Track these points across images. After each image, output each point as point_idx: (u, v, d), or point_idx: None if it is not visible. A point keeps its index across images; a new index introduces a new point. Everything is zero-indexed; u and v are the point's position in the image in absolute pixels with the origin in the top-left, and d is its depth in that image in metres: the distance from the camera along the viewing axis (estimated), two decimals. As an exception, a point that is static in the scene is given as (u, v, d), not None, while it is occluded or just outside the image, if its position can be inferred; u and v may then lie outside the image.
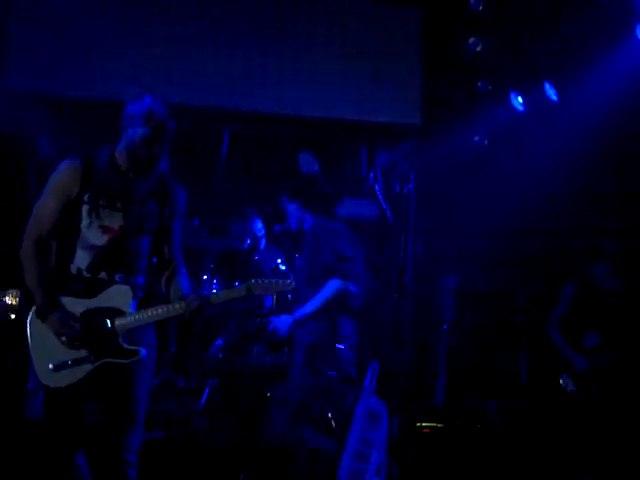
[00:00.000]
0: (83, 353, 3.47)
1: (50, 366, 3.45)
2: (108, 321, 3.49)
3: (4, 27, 7.12)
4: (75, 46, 7.29)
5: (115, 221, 3.53)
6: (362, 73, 7.96)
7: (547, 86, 7.09)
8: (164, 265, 3.75)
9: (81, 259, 3.51)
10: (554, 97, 7.08)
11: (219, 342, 6.27)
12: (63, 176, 3.55)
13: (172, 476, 4.98)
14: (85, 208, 3.50)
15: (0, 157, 6.76)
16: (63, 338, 3.44)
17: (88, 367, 3.46)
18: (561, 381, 5.19)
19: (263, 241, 6.83)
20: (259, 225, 6.76)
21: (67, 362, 3.45)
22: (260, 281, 3.70)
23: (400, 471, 4.50)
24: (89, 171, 3.53)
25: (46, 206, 3.54)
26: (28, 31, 7.23)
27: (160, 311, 3.57)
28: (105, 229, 3.51)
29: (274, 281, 3.75)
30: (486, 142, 7.88)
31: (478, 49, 7.39)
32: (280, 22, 7.80)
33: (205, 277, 6.52)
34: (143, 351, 3.53)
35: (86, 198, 3.51)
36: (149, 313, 3.55)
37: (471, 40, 7.38)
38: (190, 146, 7.53)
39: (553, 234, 7.30)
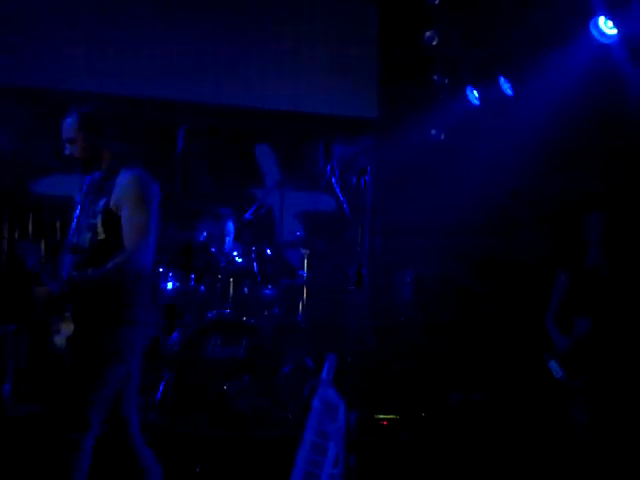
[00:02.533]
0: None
1: None
2: None
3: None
4: (25, 35, 7.20)
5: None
6: (319, 65, 7.97)
7: (502, 80, 7.14)
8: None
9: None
10: (509, 91, 7.14)
11: (175, 335, 6.22)
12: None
13: (127, 471, 4.92)
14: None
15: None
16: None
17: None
18: (550, 367, 5.23)
19: (221, 234, 6.78)
20: (221, 214, 6.73)
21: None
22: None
23: (358, 463, 4.49)
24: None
25: None
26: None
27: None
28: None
29: None
30: (442, 136, 7.93)
31: (434, 43, 7.42)
32: (234, 12, 7.76)
33: (161, 269, 6.47)
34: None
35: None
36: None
37: (427, 34, 7.41)
38: (147, 140, 7.49)
39: (508, 227, 7.35)
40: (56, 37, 7.31)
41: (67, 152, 3.96)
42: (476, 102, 7.43)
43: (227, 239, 6.73)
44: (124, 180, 3.90)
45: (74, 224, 3.97)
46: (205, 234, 6.66)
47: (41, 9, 7.27)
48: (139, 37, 7.50)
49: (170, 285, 6.42)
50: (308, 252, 6.66)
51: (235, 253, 6.50)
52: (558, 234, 6.40)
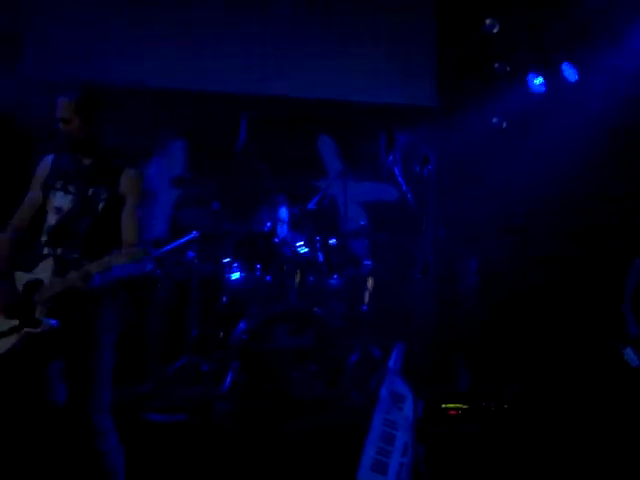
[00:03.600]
0: (15, 322, 3.78)
1: None
2: (28, 292, 3.80)
3: (20, 17, 7.11)
4: (91, 33, 7.30)
5: (66, 203, 3.89)
6: (378, 55, 7.94)
7: (565, 66, 7.04)
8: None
9: (42, 238, 3.92)
10: (573, 77, 7.03)
11: (242, 325, 6.27)
12: (37, 169, 4.04)
13: (193, 460, 4.99)
14: (43, 192, 3.94)
15: (16, 146, 6.75)
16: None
17: (15, 337, 3.75)
18: (624, 355, 5.13)
19: (285, 224, 6.83)
20: (284, 205, 6.78)
21: (4, 331, 3.78)
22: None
23: (426, 452, 4.48)
24: (56, 162, 3.99)
25: (26, 197, 4.05)
26: (42, 19, 7.24)
27: (55, 282, 3.78)
28: (57, 210, 3.89)
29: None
30: (504, 124, 7.84)
31: (495, 30, 7.34)
32: (295, 5, 7.78)
33: (226, 260, 6.53)
34: (50, 322, 3.74)
35: (47, 183, 3.95)
36: (50, 284, 3.78)
37: (487, 21, 7.33)
38: (209, 131, 7.57)
39: (573, 214, 7.25)
40: (121, 36, 7.39)
41: (62, 133, 3.91)
42: (538, 89, 7.34)
43: (283, 228, 6.79)
44: (132, 175, 3.94)
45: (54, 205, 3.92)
46: (269, 224, 6.72)
47: (107, 9, 7.37)
48: (202, 34, 7.55)
49: (236, 275, 6.48)
50: (372, 242, 6.66)
51: (300, 243, 6.52)
52: (630, 221, 6.28)
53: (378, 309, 6.64)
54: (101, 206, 3.86)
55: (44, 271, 3.81)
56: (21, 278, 3.84)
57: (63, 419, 3.83)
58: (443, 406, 5.83)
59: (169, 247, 6.63)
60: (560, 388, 6.29)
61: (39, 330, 3.72)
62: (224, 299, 6.51)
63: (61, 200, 3.89)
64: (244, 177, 7.42)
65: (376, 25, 7.97)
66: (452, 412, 5.81)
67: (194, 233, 6.51)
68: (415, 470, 4.28)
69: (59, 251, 3.83)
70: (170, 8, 7.54)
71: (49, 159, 4.00)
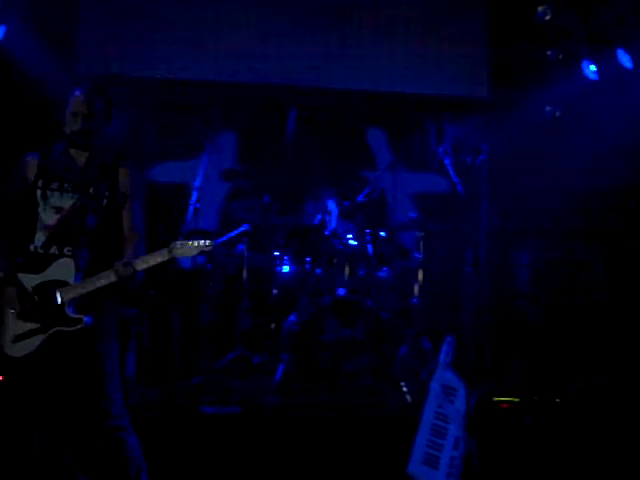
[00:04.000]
0: (37, 325, 3.77)
1: (10, 337, 3.79)
2: (54, 292, 3.78)
3: (73, 17, 7.20)
4: (139, 27, 7.38)
5: (65, 202, 3.86)
6: (428, 46, 7.86)
7: (621, 52, 6.89)
8: (123, 241, 3.96)
9: (38, 239, 3.85)
10: (628, 64, 6.88)
11: (292, 318, 6.30)
12: (20, 171, 3.95)
13: (247, 451, 5.02)
14: (38, 193, 3.87)
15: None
16: (14, 311, 3.77)
17: (41, 337, 3.76)
18: None
19: (334, 216, 6.83)
20: (334, 198, 6.78)
21: (23, 334, 3.77)
22: (180, 244, 3.83)
23: (478, 446, 4.44)
24: (44, 161, 3.91)
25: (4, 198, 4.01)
26: (94, 19, 7.33)
27: (96, 280, 3.79)
28: (57, 209, 3.86)
29: (193, 242, 3.86)
30: (558, 113, 7.71)
31: (547, 17, 7.22)
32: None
33: (276, 253, 6.55)
34: (87, 319, 3.78)
35: (39, 184, 3.88)
36: (87, 282, 3.79)
37: (540, 8, 7.21)
38: (258, 124, 7.59)
39: (630, 207, 7.11)
40: (169, 29, 7.45)
41: (81, 125, 3.86)
42: (592, 76, 7.20)
43: (333, 220, 6.80)
44: (129, 170, 3.95)
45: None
46: (319, 217, 6.73)
47: (156, 3, 7.44)
48: (251, 26, 7.55)
49: (286, 268, 6.50)
50: (422, 234, 6.62)
51: (350, 236, 6.52)
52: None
53: (428, 301, 6.61)
54: (104, 203, 3.88)
55: (60, 270, 3.80)
56: (30, 280, 3.82)
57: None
58: (495, 399, 5.78)
59: (220, 240, 6.68)
60: (622, 385, 6.18)
61: (75, 328, 3.76)
62: (274, 292, 6.55)
63: (59, 199, 3.86)
64: (295, 170, 7.44)
65: (426, 16, 7.89)
66: (504, 405, 5.76)
67: (245, 226, 6.55)
68: (467, 464, 4.24)
69: (66, 250, 3.83)
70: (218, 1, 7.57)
71: (33, 158, 3.93)
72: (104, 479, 3.81)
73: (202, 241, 3.89)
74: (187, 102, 7.47)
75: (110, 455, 3.79)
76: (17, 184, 3.94)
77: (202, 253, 3.92)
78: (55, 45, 6.81)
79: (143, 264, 3.79)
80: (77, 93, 3.88)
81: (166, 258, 3.79)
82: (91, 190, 3.88)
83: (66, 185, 3.88)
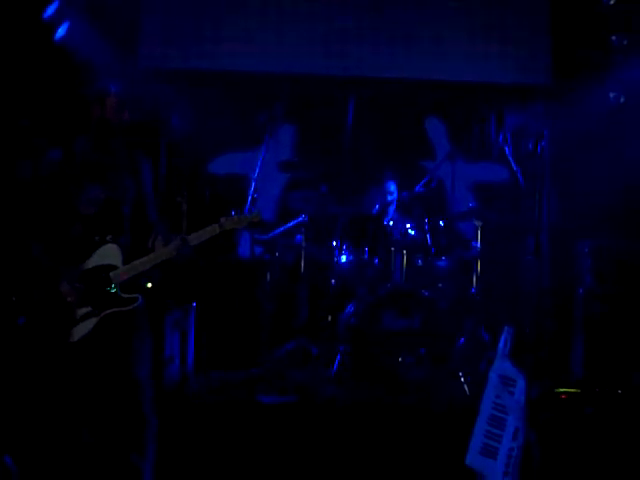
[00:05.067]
0: (88, 309, 3.92)
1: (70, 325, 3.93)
2: (104, 276, 3.95)
3: (134, 12, 7.30)
4: (200, 21, 7.46)
5: (99, 193, 4.02)
6: (488, 33, 7.75)
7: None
8: (148, 227, 4.15)
9: (77, 229, 4.01)
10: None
11: (350, 308, 6.29)
12: (44, 170, 4.13)
13: (303, 440, 5.04)
14: (72, 187, 4.02)
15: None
16: (70, 299, 3.90)
17: (93, 320, 3.92)
18: None
19: (393, 206, 6.79)
20: (392, 187, 6.75)
21: (76, 319, 3.91)
22: (230, 217, 4.08)
23: (538, 437, 4.38)
24: (69, 156, 4.07)
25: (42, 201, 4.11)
26: (155, 11, 7.42)
27: (149, 258, 4.00)
28: (92, 201, 4.01)
29: (241, 215, 4.12)
30: (622, 99, 7.54)
31: (612, 2, 7.07)
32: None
33: (335, 243, 6.55)
34: (140, 298, 3.98)
35: (72, 178, 4.03)
36: (137, 263, 3.99)
37: (605, -7, 7.07)
38: (317, 115, 7.60)
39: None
40: (231, 22, 7.50)
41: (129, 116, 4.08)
42: (659, 62, 7.02)
43: (391, 210, 6.77)
44: (147, 161, 4.19)
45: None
46: (377, 207, 6.70)
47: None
48: (311, 17, 7.56)
49: (344, 258, 6.50)
50: (481, 223, 6.54)
51: (408, 225, 6.48)
52: None
53: (487, 291, 6.54)
54: (133, 193, 4.09)
55: (106, 256, 3.97)
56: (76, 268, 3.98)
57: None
58: (556, 390, 5.68)
59: (278, 231, 6.72)
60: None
61: (131, 307, 3.95)
62: (333, 282, 6.56)
63: (96, 191, 4.01)
64: (352, 160, 7.43)
65: (489, 3, 7.78)
66: (564, 397, 5.66)
67: (302, 217, 6.58)
68: (526, 455, 4.18)
69: (109, 237, 3.99)
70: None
71: (54, 156, 4.09)
72: (121, 448, 3.93)
73: (250, 213, 4.16)
74: (247, 95, 7.51)
75: (131, 427, 3.93)
76: (53, 180, 4.07)
77: (252, 225, 4.19)
78: (117, 41, 6.91)
79: (195, 239, 4.01)
80: (115, 91, 4.05)
81: (217, 232, 4.03)
82: (121, 181, 4.06)
83: (97, 177, 4.03)
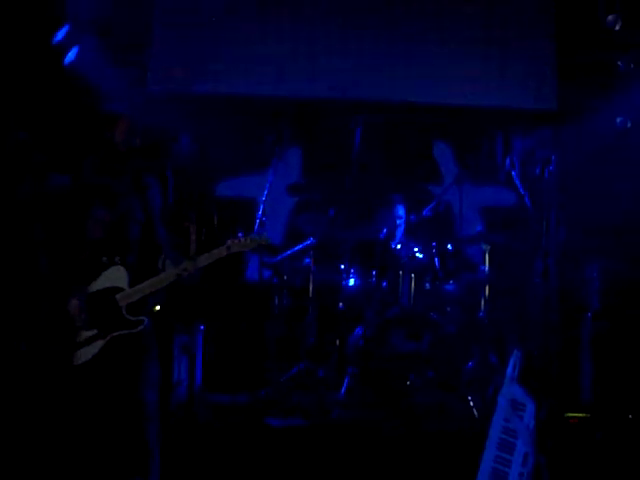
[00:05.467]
0: (94, 331, 3.91)
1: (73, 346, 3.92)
2: (110, 299, 3.94)
3: (145, 36, 7.36)
4: (208, 46, 7.50)
5: (109, 215, 4.06)
6: (495, 58, 7.79)
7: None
8: (156, 248, 4.16)
9: (85, 250, 4.03)
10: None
11: (358, 331, 6.29)
12: (54, 195, 4.20)
13: (311, 464, 5.02)
14: (82, 210, 4.06)
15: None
16: (77, 318, 3.90)
17: (100, 343, 3.91)
18: None
19: (401, 230, 6.80)
20: (400, 211, 6.77)
21: (81, 342, 3.91)
22: (237, 240, 4.11)
23: (547, 462, 4.36)
24: (79, 180, 4.13)
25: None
26: (165, 36, 7.48)
27: (155, 280, 4.01)
28: (102, 223, 4.04)
29: (249, 237, 4.15)
30: (629, 124, 7.56)
31: (617, 27, 7.10)
32: (409, 9, 7.74)
33: (342, 267, 6.56)
34: (145, 320, 3.98)
35: (84, 201, 4.06)
36: (145, 284, 3.99)
37: (609, 18, 7.10)
38: (324, 138, 7.63)
39: None
40: (236, 45, 7.55)
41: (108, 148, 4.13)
42: (665, 86, 7.05)
43: (399, 234, 6.79)
44: (155, 185, 4.26)
45: None
46: (385, 231, 6.71)
47: (219, 10, 7.55)
48: (317, 41, 7.60)
49: (352, 281, 6.51)
50: (489, 247, 6.56)
51: (416, 249, 6.49)
52: None
53: (495, 315, 6.55)
54: (141, 214, 4.13)
55: (113, 278, 3.98)
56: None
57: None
58: (565, 415, 5.66)
59: (286, 254, 6.73)
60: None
61: (137, 330, 3.95)
62: (340, 305, 6.55)
63: (103, 214, 4.04)
64: (360, 183, 7.44)
65: (492, 27, 7.82)
66: (574, 421, 5.64)
67: (310, 240, 6.59)
68: (536, 480, 4.17)
69: (117, 259, 4.01)
70: (280, 13, 7.62)
71: (64, 182, 4.17)
72: (126, 471, 3.93)
73: (259, 236, 4.21)
74: (254, 118, 7.55)
75: (136, 450, 3.94)
76: (62, 205, 4.12)
77: (260, 248, 4.20)
78: (126, 65, 6.96)
79: (203, 261, 4.04)
80: (127, 116, 4.12)
81: (224, 254, 4.07)
82: (130, 204, 4.10)
83: (107, 200, 4.07)
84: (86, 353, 3.89)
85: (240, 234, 4.14)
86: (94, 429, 3.93)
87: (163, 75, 7.46)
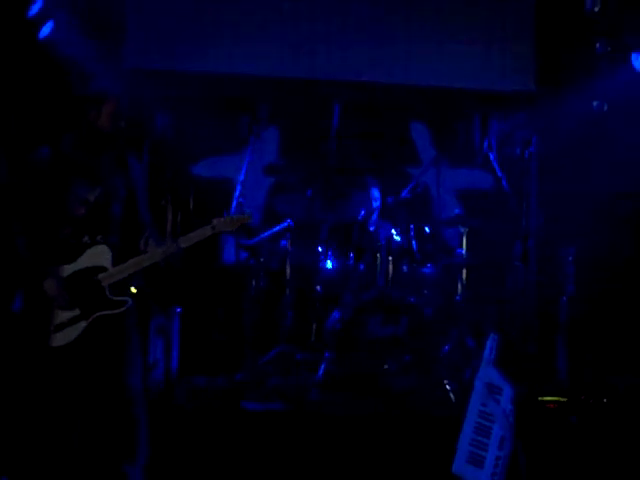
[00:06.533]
0: (77, 312, 3.86)
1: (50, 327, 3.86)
2: (93, 279, 3.89)
3: (120, 12, 7.24)
4: (185, 22, 7.42)
5: (91, 193, 3.97)
6: (473, 39, 7.77)
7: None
8: (139, 227, 4.12)
9: (66, 229, 3.95)
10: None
11: (335, 314, 6.27)
12: (33, 168, 4.03)
13: (288, 448, 5.01)
14: (63, 185, 3.97)
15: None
16: (58, 302, 3.84)
17: (82, 324, 3.86)
18: None
19: (378, 213, 6.78)
20: (376, 194, 6.74)
21: (64, 322, 3.84)
22: (222, 219, 4.05)
23: (524, 446, 4.38)
24: (59, 156, 4.01)
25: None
26: (141, 12, 7.38)
27: (138, 260, 3.96)
28: (83, 201, 3.96)
29: (234, 216, 4.12)
30: (606, 107, 7.57)
31: (596, 9, 7.09)
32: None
33: (320, 249, 6.53)
34: (128, 300, 3.94)
35: (64, 178, 3.98)
36: (128, 264, 3.94)
37: (588, 0, 7.09)
38: (302, 118, 7.57)
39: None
40: (215, 23, 7.46)
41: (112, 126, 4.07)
42: (641, 69, 7.06)
43: (376, 216, 6.77)
44: (137, 167, 4.21)
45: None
46: (363, 212, 6.68)
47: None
48: (298, 20, 7.55)
49: (329, 264, 6.48)
50: (466, 230, 6.57)
51: (393, 231, 6.47)
52: None
53: (472, 298, 6.57)
54: (124, 193, 4.06)
55: (96, 257, 3.92)
56: (64, 269, 3.90)
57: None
58: (540, 399, 5.69)
59: (263, 236, 6.68)
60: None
61: (120, 310, 3.90)
62: (318, 288, 6.53)
63: (85, 192, 3.97)
64: (337, 164, 7.40)
65: (472, 8, 7.80)
66: (550, 405, 5.67)
67: (288, 221, 6.55)
68: (513, 464, 4.19)
69: (99, 238, 3.95)
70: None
71: (44, 155, 4.02)
72: (113, 456, 3.90)
73: (242, 214, 4.17)
74: (231, 97, 7.48)
75: (123, 435, 3.91)
76: (41, 178, 3.99)
77: (242, 226, 4.15)
78: (102, 40, 6.85)
79: (187, 241, 3.98)
80: (113, 97, 4.03)
81: (209, 233, 4.02)
82: (112, 182, 4.03)
83: (89, 178, 3.99)
84: (69, 334, 3.83)
85: (224, 213, 4.09)
86: (78, 413, 3.90)
87: (138, 51, 7.38)
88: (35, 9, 6.35)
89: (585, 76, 7.32)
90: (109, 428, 3.88)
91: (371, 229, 6.57)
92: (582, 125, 7.21)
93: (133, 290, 4.07)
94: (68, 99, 4.30)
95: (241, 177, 6.45)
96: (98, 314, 3.86)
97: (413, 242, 6.49)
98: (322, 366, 6.05)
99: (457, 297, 6.54)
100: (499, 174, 6.68)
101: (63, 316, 3.84)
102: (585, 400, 5.72)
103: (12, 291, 3.94)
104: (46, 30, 6.40)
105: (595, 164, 7.10)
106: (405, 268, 6.48)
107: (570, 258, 6.72)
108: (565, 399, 5.71)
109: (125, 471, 3.88)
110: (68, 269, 3.89)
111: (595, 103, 7.41)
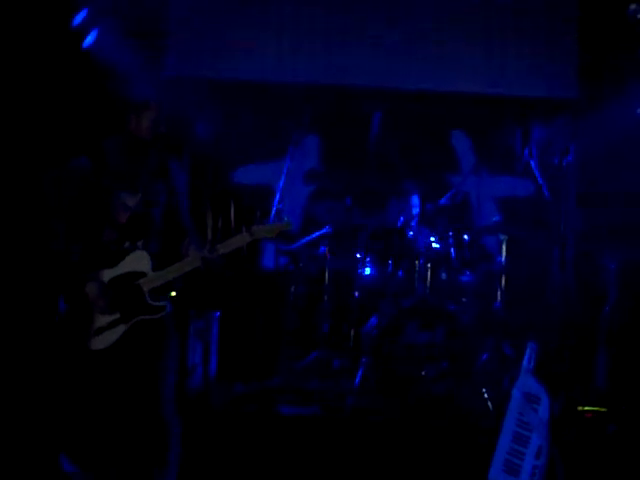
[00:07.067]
0: (116, 316, 3.90)
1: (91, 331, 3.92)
2: (134, 283, 3.93)
3: (163, 19, 7.34)
4: (228, 30, 7.48)
5: (132, 200, 4.02)
6: (515, 46, 7.73)
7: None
8: (180, 233, 4.14)
9: (108, 235, 4.00)
10: None
11: (373, 320, 6.28)
12: (73, 178, 4.07)
13: (325, 452, 5.03)
14: (105, 194, 4.01)
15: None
16: (99, 306, 3.88)
17: (122, 328, 3.90)
18: None
19: (417, 220, 6.77)
20: (416, 201, 6.74)
21: (103, 326, 3.89)
22: (262, 226, 4.05)
23: (562, 455, 4.34)
24: (100, 164, 4.05)
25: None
26: (184, 21, 7.47)
27: (179, 265, 3.98)
28: (125, 207, 4.00)
29: (274, 223, 4.12)
30: (650, 114, 7.50)
31: (639, 15, 7.02)
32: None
33: (358, 255, 6.55)
34: (167, 306, 3.99)
35: (107, 185, 4.01)
36: (169, 269, 3.98)
37: (632, 6, 7.01)
38: (342, 126, 7.60)
39: None
40: (256, 32, 7.53)
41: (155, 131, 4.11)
42: (688, 76, 6.97)
43: (416, 223, 6.73)
44: (179, 173, 4.22)
45: None
46: (402, 219, 6.68)
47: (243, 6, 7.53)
48: (337, 28, 7.56)
49: (368, 270, 6.50)
50: (506, 237, 6.53)
51: (432, 238, 6.46)
52: None
53: (511, 306, 6.52)
54: (164, 199, 4.10)
55: (136, 262, 3.97)
56: (105, 274, 3.95)
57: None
58: (580, 408, 5.63)
59: (302, 242, 6.72)
60: None
61: (160, 315, 3.95)
62: (356, 294, 6.55)
63: (127, 198, 4.01)
64: (377, 172, 7.42)
65: (515, 15, 7.76)
66: (589, 415, 5.61)
67: (327, 228, 6.58)
68: (550, 474, 4.16)
69: (140, 244, 4.00)
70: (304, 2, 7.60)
71: (83, 163, 4.07)
72: (145, 461, 3.93)
73: (281, 222, 4.14)
74: (272, 105, 7.53)
75: (154, 439, 3.92)
76: (84, 186, 4.05)
77: (281, 233, 4.14)
78: (145, 48, 6.94)
79: (226, 247, 3.99)
80: (154, 105, 4.07)
81: (248, 240, 4.01)
82: (152, 188, 4.07)
83: (130, 185, 4.04)
84: (108, 338, 3.88)
85: (264, 220, 4.10)
86: (113, 415, 3.94)
87: (181, 59, 7.45)
88: (79, 19, 6.48)
89: (629, 83, 7.25)
90: (141, 431, 3.91)
91: (410, 236, 6.56)
92: (625, 133, 7.14)
93: (173, 294, 4.13)
94: (109, 106, 4.38)
95: (281, 184, 6.50)
96: (137, 319, 3.91)
97: (452, 249, 6.48)
98: (359, 371, 6.06)
99: (496, 305, 6.49)
100: (540, 182, 6.63)
101: (103, 320, 3.89)
102: (626, 410, 5.65)
103: (55, 295, 4.01)
104: (90, 39, 6.52)
105: (636, 171, 7.03)
106: (444, 275, 6.46)
107: (612, 265, 6.65)
108: (605, 409, 5.65)
109: (154, 475, 3.92)
110: (109, 274, 3.94)
111: (639, 111, 7.34)
